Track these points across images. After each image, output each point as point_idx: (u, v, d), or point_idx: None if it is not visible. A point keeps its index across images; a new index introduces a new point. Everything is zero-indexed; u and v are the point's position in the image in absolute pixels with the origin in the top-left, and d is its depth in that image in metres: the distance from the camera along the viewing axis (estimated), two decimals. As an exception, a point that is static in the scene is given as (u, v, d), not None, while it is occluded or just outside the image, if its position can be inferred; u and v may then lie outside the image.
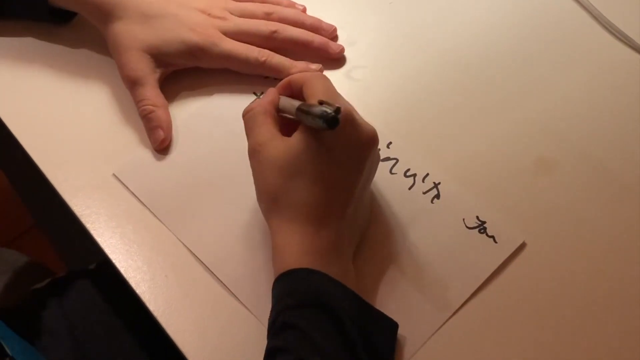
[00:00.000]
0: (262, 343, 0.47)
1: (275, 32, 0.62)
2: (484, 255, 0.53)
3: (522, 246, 0.54)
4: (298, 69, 0.61)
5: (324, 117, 0.45)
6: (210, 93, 0.62)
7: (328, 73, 0.63)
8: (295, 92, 0.52)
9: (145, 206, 0.56)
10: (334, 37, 0.65)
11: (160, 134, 0.58)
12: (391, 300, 0.52)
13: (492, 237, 0.54)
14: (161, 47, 0.59)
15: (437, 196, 0.56)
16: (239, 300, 0.52)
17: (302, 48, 0.63)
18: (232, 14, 0.63)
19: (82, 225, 0.55)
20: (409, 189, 0.57)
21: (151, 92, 0.59)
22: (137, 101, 0.59)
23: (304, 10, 0.66)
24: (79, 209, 0.56)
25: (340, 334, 0.45)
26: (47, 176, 0.57)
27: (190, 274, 0.53)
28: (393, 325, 0.49)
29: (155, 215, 0.56)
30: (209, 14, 0.61)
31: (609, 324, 0.51)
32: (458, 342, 0.51)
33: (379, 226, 0.55)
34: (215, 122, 0.60)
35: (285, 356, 0.44)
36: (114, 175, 0.57)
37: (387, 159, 0.58)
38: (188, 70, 0.62)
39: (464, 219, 0.55)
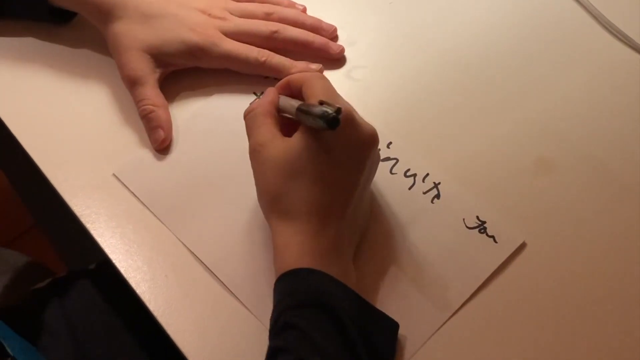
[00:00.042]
0: (262, 343, 0.47)
1: (275, 32, 0.62)
2: (484, 255, 0.53)
3: (522, 246, 0.54)
4: (298, 69, 0.61)
5: (324, 117, 0.45)
6: (210, 93, 0.62)
7: (328, 73, 0.63)
8: (295, 92, 0.52)
9: (145, 206, 0.56)
10: (334, 37, 0.65)
11: (161, 134, 0.58)
12: (391, 300, 0.52)
13: (492, 237, 0.54)
14: (161, 47, 0.59)
15: (437, 196, 0.56)
16: (239, 300, 0.52)
17: (302, 48, 0.63)
18: (232, 14, 0.63)
19: (82, 225, 0.55)
20: (409, 189, 0.57)
21: (151, 92, 0.59)
22: (137, 101, 0.59)
23: (304, 10, 0.66)
24: (79, 209, 0.56)
25: (340, 334, 0.45)
26: (47, 176, 0.57)
27: (190, 274, 0.53)
28: (393, 325, 0.49)
29: (155, 215, 0.56)
30: (209, 14, 0.61)
31: (609, 324, 0.51)
32: (458, 342, 0.51)
33: (379, 226, 0.55)
34: (215, 122, 0.60)
35: (286, 356, 0.44)
36: (114, 175, 0.57)
37: (387, 159, 0.58)
38: (188, 70, 0.62)
39: (464, 219, 0.55)
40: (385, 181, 0.57)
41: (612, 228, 0.55)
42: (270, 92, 0.53)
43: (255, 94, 0.62)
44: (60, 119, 0.61)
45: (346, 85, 0.62)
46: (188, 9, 0.61)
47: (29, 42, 0.65)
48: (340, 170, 0.49)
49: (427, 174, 0.57)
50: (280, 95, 0.52)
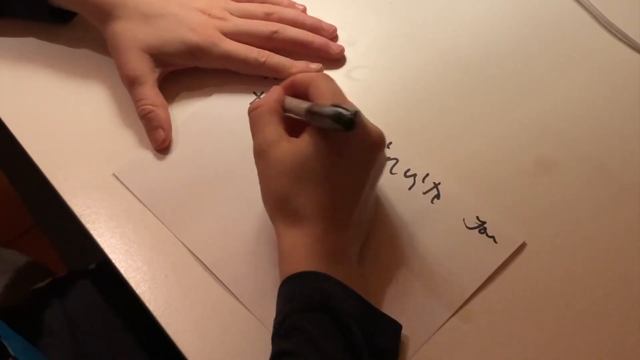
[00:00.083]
0: (262, 343, 0.47)
1: (275, 32, 0.62)
2: (484, 255, 0.53)
3: (522, 246, 0.54)
4: (298, 69, 0.60)
5: (341, 118, 0.44)
6: (210, 93, 0.62)
7: (328, 73, 0.62)
8: (300, 92, 0.51)
9: (145, 206, 0.56)
10: (334, 37, 0.65)
11: (161, 133, 0.58)
12: (392, 300, 0.52)
13: (492, 237, 0.54)
14: (161, 47, 0.59)
15: (437, 196, 0.56)
16: (239, 300, 0.52)
17: (302, 48, 0.63)
18: (232, 14, 0.63)
19: (82, 225, 0.56)
20: (409, 189, 0.57)
21: (150, 92, 0.59)
22: (136, 100, 0.59)
23: (304, 10, 0.66)
24: (79, 209, 0.56)
25: (344, 337, 0.45)
26: (47, 176, 0.57)
27: (190, 274, 0.53)
28: (396, 327, 0.49)
29: (155, 215, 0.56)
30: (209, 14, 0.61)
31: (609, 324, 0.51)
32: (458, 341, 0.51)
33: (379, 226, 0.55)
34: (215, 122, 0.60)
35: (290, 359, 0.44)
36: (114, 175, 0.57)
37: (387, 159, 0.58)
38: (188, 70, 0.62)
39: (464, 219, 0.55)
40: (385, 181, 0.57)
41: (612, 228, 0.55)
42: (276, 90, 0.52)
43: (255, 94, 0.62)
44: (60, 119, 0.61)
45: (346, 85, 0.62)
46: (188, 9, 0.61)
47: (29, 42, 0.65)
48: (349, 172, 0.48)
49: (427, 174, 0.57)
50: (285, 96, 0.52)
